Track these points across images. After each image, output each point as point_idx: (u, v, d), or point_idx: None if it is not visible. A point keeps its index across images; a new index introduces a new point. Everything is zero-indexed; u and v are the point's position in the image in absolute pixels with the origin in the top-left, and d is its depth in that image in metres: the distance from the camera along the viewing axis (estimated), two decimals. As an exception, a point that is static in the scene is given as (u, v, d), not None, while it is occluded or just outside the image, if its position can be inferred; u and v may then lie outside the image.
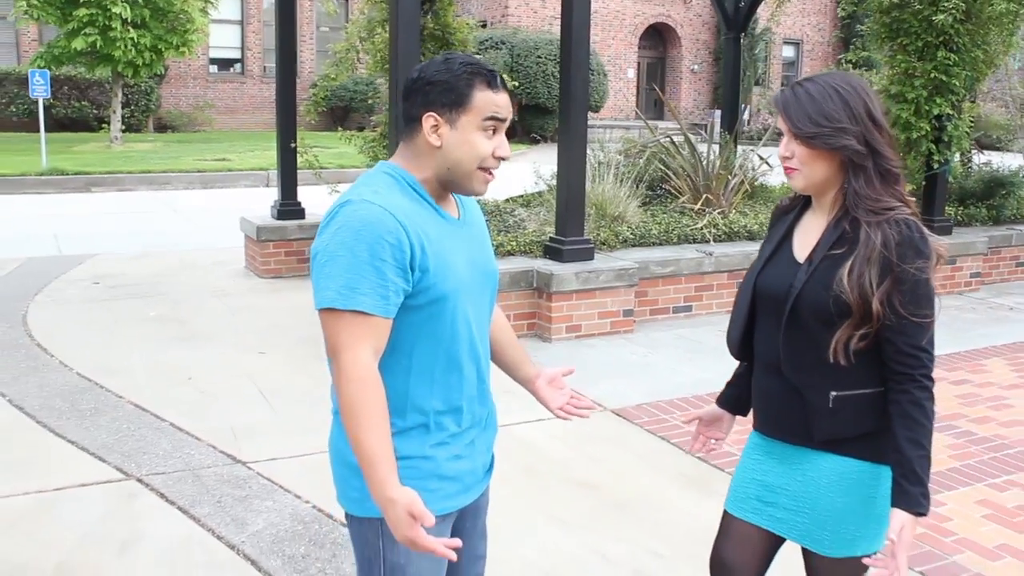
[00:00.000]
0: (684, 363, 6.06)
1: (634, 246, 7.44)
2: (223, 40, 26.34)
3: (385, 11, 8.42)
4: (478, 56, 2.09)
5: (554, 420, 4.88)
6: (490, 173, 1.95)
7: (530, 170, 9.51)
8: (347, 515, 2.05)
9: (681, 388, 5.49)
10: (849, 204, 2.09)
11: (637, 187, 8.30)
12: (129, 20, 18.07)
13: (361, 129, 10.38)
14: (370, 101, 25.76)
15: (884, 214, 2.05)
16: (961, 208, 9.54)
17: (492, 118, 1.91)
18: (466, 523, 2.12)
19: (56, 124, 22.64)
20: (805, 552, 2.25)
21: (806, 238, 2.18)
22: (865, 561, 2.06)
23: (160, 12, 18.92)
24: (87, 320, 6.81)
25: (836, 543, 2.16)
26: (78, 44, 17.88)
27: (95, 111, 23.82)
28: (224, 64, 27.58)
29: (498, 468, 2.25)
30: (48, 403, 5.02)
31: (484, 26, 26.94)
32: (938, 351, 5.80)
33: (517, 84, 11.27)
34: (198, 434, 4.61)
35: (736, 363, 2.45)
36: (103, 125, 21.79)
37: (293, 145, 8.61)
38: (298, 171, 8.80)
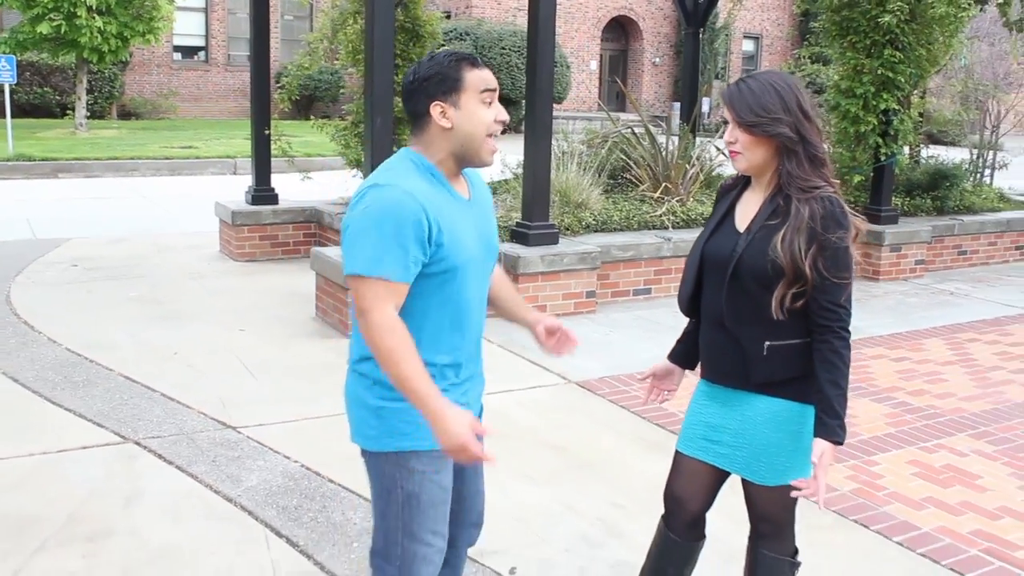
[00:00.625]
0: (643, 341, 6.43)
1: (596, 231, 7.80)
2: (187, 28, 26.33)
3: (357, 3, 8.72)
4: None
5: (523, 391, 5.26)
6: (494, 143, 2.28)
7: (496, 159, 9.84)
8: (364, 452, 2.35)
9: (640, 363, 5.85)
10: (783, 183, 2.46)
11: (599, 176, 8.66)
12: (94, 7, 18.09)
13: (327, 117, 10.64)
14: (336, 90, 25.96)
15: (812, 192, 2.42)
16: (908, 199, 10.01)
17: (486, 90, 2.25)
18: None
19: (18, 110, 22.52)
20: (744, 483, 2.62)
21: (746, 211, 2.55)
22: (793, 483, 2.42)
23: (125, -1, 18.97)
24: (69, 300, 7.04)
25: (770, 473, 2.53)
26: (43, 29, 17.89)
27: (57, 97, 23.78)
28: (188, 52, 27.57)
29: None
30: (42, 375, 5.28)
31: (448, 17, 27.16)
32: (882, 332, 6.35)
33: (496, 75, 11.49)
34: (188, 403, 4.90)
35: (685, 323, 2.80)
36: (68, 112, 21.76)
37: (267, 132, 8.86)
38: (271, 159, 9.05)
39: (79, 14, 17.86)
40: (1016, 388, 5.78)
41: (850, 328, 2.44)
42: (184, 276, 7.98)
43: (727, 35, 31.85)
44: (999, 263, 10.19)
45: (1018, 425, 5.12)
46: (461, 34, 24.98)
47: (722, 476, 2.67)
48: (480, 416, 2.50)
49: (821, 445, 2.37)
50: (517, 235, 7.13)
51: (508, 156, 9.69)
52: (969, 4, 8.33)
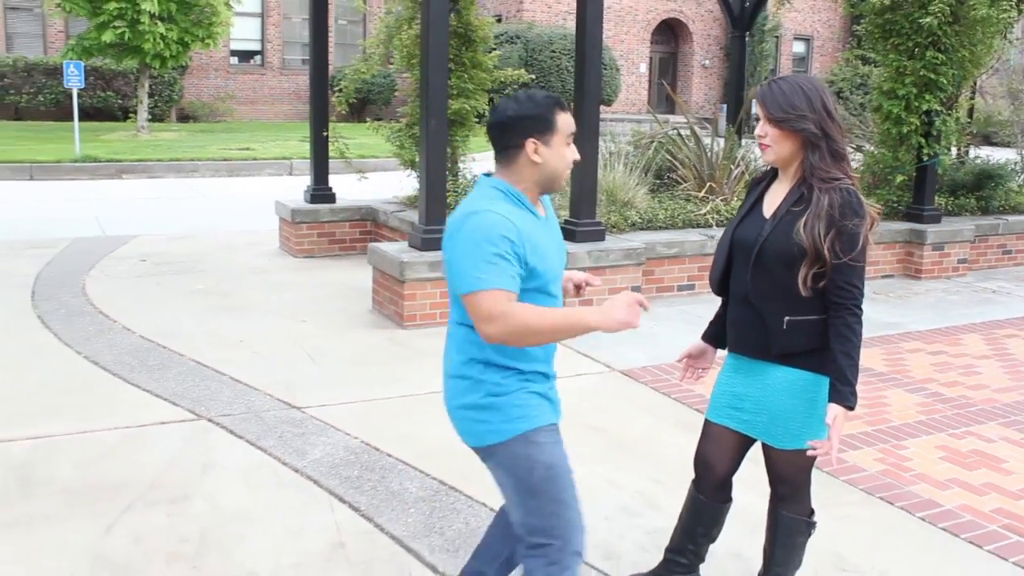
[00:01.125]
0: (686, 333, 6.67)
1: (642, 229, 8.06)
2: (244, 33, 26.97)
3: (412, 9, 9.06)
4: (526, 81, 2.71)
5: (569, 378, 5.53)
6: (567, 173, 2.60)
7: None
8: (488, 449, 2.54)
9: (678, 354, 6.09)
10: (807, 174, 2.73)
11: (645, 176, 8.91)
12: (157, 14, 18.72)
13: (380, 119, 11.01)
14: (389, 93, 26.38)
15: (832, 183, 2.69)
16: (952, 198, 10.12)
17: (571, 133, 2.55)
18: None
19: (82, 113, 23.26)
20: (764, 447, 2.88)
21: (773, 200, 2.82)
22: (809, 443, 2.68)
23: (186, 5, 19.58)
24: (140, 292, 7.46)
25: (787, 437, 2.79)
26: (108, 37, 18.56)
27: (120, 101, 24.51)
28: (244, 56, 28.24)
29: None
30: (119, 359, 5.67)
31: (499, 20, 27.54)
32: (921, 327, 6.60)
33: (533, 78, 11.83)
34: (256, 385, 5.26)
35: (717, 307, 3.07)
36: (131, 115, 22.47)
37: (325, 134, 9.23)
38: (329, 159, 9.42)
39: (142, 21, 18.49)
40: (1050, 381, 5.94)
41: (862, 307, 2.69)
42: (246, 271, 8.38)
43: (777, 37, 31.82)
44: (1045, 263, 10.24)
45: (1048, 415, 5.29)
46: (512, 37, 25.30)
47: (746, 442, 2.94)
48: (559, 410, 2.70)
49: (835, 409, 2.63)
50: (565, 232, 7.38)
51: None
52: (1011, 6, 8.44)
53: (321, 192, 9.29)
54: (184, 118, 26.21)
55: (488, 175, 2.61)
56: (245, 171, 17.03)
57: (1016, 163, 12.03)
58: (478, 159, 10.55)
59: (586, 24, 7.16)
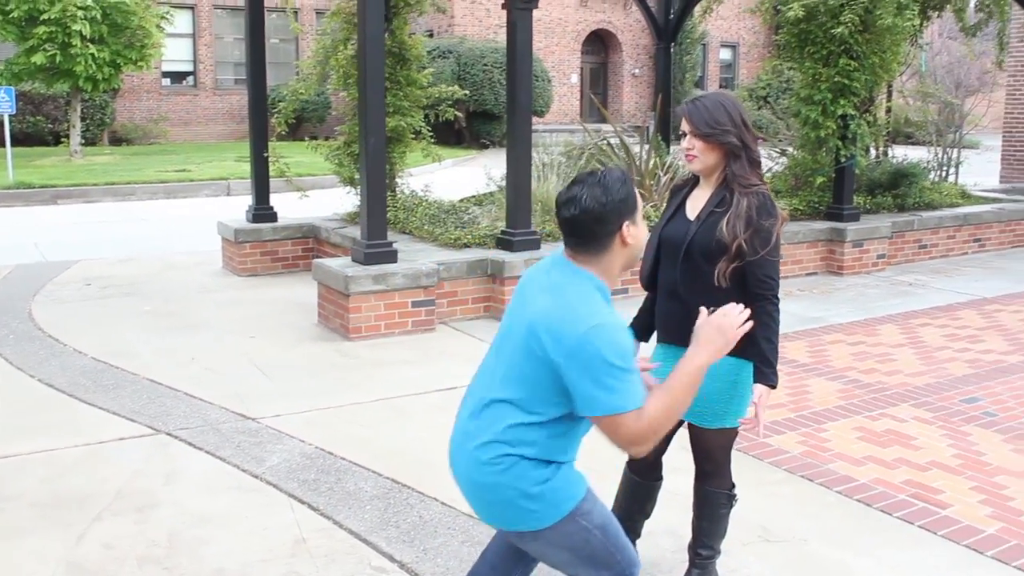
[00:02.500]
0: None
1: (577, 237, 8.36)
2: (176, 54, 26.86)
3: (347, 30, 9.30)
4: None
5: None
6: None
7: (481, 173, 10.45)
8: (536, 534, 2.49)
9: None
10: (728, 180, 3.07)
11: (579, 185, 9.24)
12: (88, 36, 18.65)
13: (315, 138, 11.21)
14: (323, 112, 26.44)
15: (750, 188, 3.03)
16: (870, 197, 10.63)
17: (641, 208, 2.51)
18: None
19: (12, 139, 23.02)
20: (691, 428, 3.20)
21: (696, 204, 3.15)
22: (740, 420, 3.01)
23: (118, 28, 19.52)
24: (88, 315, 7.57)
25: (712, 417, 3.12)
26: (38, 60, 18.43)
27: (50, 125, 24.25)
28: (177, 77, 28.12)
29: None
30: (74, 380, 5.82)
31: (431, 36, 27.82)
32: (842, 320, 7.07)
33: (467, 93, 12.13)
34: (210, 400, 5.45)
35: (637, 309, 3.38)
36: (62, 139, 22.29)
37: (266, 155, 9.41)
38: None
39: (74, 43, 18.41)
40: (958, 364, 6.37)
41: (779, 296, 3.05)
42: (192, 291, 8.53)
43: (704, 45, 32.57)
44: (958, 255, 10.80)
45: (955, 395, 5.71)
46: (444, 52, 25.59)
47: (676, 425, 3.24)
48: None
49: (760, 389, 3.02)
50: (502, 242, 7.70)
51: (493, 170, 10.30)
52: (915, 15, 8.96)
53: (263, 211, 9.46)
54: (117, 141, 26.01)
55: (567, 260, 2.49)
56: (182, 193, 17.05)
57: (929, 162, 12.65)
58: (418, 174, 10.81)
59: (516, 43, 7.47)
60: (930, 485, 4.36)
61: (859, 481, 4.39)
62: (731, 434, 3.19)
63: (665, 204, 3.38)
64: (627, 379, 2.32)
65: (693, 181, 3.25)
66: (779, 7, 9.59)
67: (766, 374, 3.03)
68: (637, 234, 2.47)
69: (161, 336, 6.92)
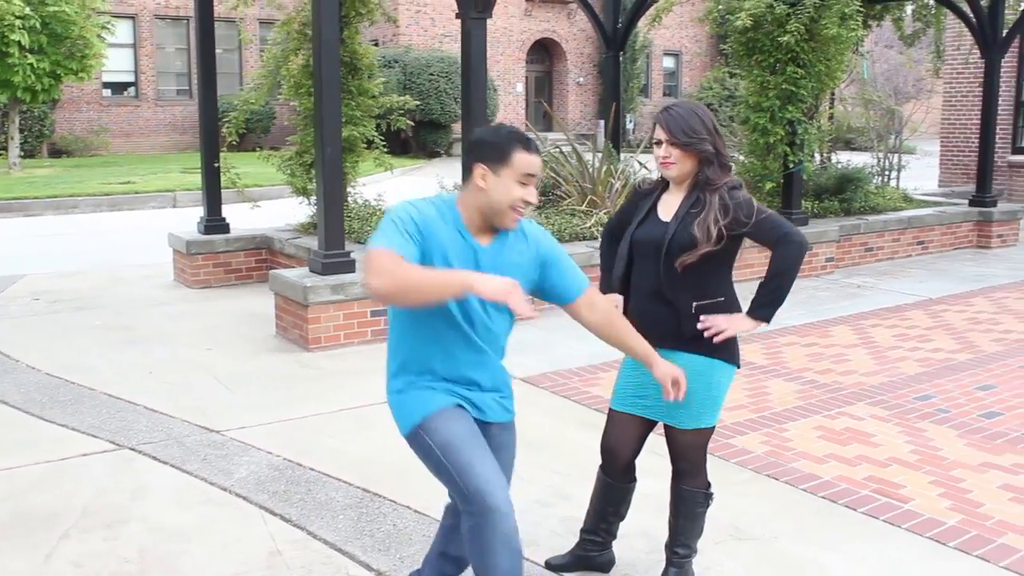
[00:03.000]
0: (578, 341, 6.99)
1: (533, 244, 8.41)
2: (117, 64, 26.42)
3: (298, 40, 9.26)
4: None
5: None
6: (519, 213, 2.73)
7: (427, 182, 10.47)
8: (407, 441, 2.86)
9: (577, 360, 6.47)
10: (701, 183, 3.15)
11: (533, 193, 9.29)
12: (27, 46, 18.30)
13: (260, 148, 11.14)
14: (268, 122, 26.20)
15: (721, 188, 3.09)
16: (817, 202, 10.85)
17: (527, 174, 2.68)
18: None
19: (-52, 152, 22.54)
20: (667, 430, 3.25)
21: (668, 207, 3.22)
22: (704, 319, 3.10)
23: (57, 38, 19.17)
24: (38, 330, 7.43)
25: (688, 418, 3.18)
26: (-26, 71, 18.04)
27: (-14, 138, 23.75)
28: (117, 88, 27.68)
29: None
30: (29, 397, 5.71)
31: (376, 45, 27.74)
32: (795, 323, 7.19)
33: (418, 104, 12.13)
34: (172, 413, 5.39)
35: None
36: (1, 152, 21.81)
37: (216, 165, 9.32)
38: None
39: (12, 53, 18.04)
40: (910, 363, 6.53)
41: (800, 239, 3.12)
42: (145, 304, 8.41)
43: (647, 54, 32.91)
44: (903, 258, 11.06)
45: (909, 393, 5.85)
46: (390, 62, 25.53)
47: (647, 427, 3.30)
48: (509, 423, 3.04)
49: (741, 315, 3.11)
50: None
51: (445, 179, 10.31)
52: (858, 26, 9.18)
53: (215, 223, 9.36)
54: (56, 153, 25.52)
55: None
56: (128, 205, 16.78)
57: (872, 166, 12.94)
58: (368, 184, 10.78)
59: (471, 47, 7.49)
60: (891, 480, 4.47)
61: (823, 478, 4.49)
62: (707, 434, 3.25)
63: (625, 207, 3.43)
64: (391, 229, 2.62)
65: (662, 186, 3.31)
66: (727, 16, 9.75)
67: (755, 308, 3.15)
68: (496, 185, 2.67)
69: (116, 350, 6.82)
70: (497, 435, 2.98)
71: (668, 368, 3.02)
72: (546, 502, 4.21)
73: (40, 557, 3.70)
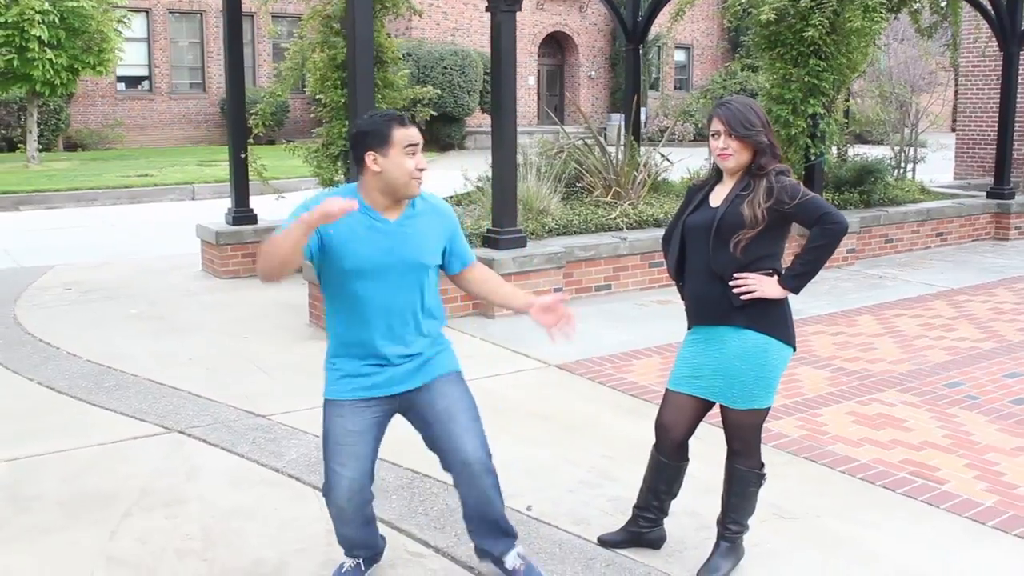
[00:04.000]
0: (609, 329, 7.16)
1: (559, 235, 8.53)
2: (131, 58, 26.54)
3: (323, 34, 9.35)
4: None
5: (510, 375, 5.94)
6: (419, 179, 3.03)
7: (447, 175, 10.56)
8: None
9: (609, 348, 6.57)
10: (754, 172, 3.25)
11: (557, 185, 9.40)
12: (46, 40, 18.44)
13: (271, 143, 11.23)
14: (282, 116, 26.30)
15: (769, 173, 3.21)
16: (837, 193, 10.91)
17: (409, 145, 2.98)
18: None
19: (-34, 146, 22.73)
20: (722, 409, 3.35)
21: (719, 196, 3.33)
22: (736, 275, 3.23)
23: (75, 32, 19.32)
24: (75, 319, 7.56)
25: (741, 398, 3.28)
26: (-5, 64, 18.19)
27: (3, 132, 23.91)
28: (131, 82, 27.82)
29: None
30: (74, 383, 5.83)
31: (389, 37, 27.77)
32: (820, 312, 7.30)
33: (440, 93, 12.22)
34: (216, 399, 5.50)
35: (643, 314, 3.53)
36: (19, 145, 21.97)
37: (243, 155, 9.42)
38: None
39: (31, 47, 18.18)
40: (936, 352, 6.62)
41: (840, 219, 3.25)
42: (176, 294, 8.53)
43: (659, 47, 32.93)
44: (922, 249, 11.14)
45: (937, 380, 5.94)
46: (404, 55, 25.48)
47: (702, 407, 3.40)
48: (444, 376, 3.25)
49: (773, 280, 3.24)
50: (489, 240, 7.82)
51: (470, 171, 10.41)
52: (882, 17, 9.25)
53: (243, 214, 9.48)
54: (72, 147, 25.68)
55: None
56: (147, 198, 16.92)
57: (891, 159, 13.00)
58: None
59: (501, 40, 7.60)
60: (926, 463, 4.57)
61: (859, 461, 4.59)
62: (761, 415, 3.35)
63: (681, 206, 3.54)
64: (287, 222, 2.90)
65: (715, 179, 3.43)
66: (748, 10, 9.82)
67: (787, 279, 3.26)
68: (385, 165, 2.95)
69: (153, 339, 6.94)
70: (432, 394, 3.21)
71: (542, 301, 3.26)
72: (592, 483, 4.32)
73: (105, 534, 3.82)
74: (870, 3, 8.94)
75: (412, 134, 2.98)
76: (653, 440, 3.56)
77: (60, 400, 5.54)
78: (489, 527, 3.30)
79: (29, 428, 5.06)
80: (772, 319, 3.27)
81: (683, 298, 3.45)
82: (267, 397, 5.55)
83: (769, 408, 3.37)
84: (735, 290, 3.23)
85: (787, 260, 3.33)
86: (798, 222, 3.26)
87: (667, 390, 3.47)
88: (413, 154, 2.98)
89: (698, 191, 3.46)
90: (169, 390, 5.69)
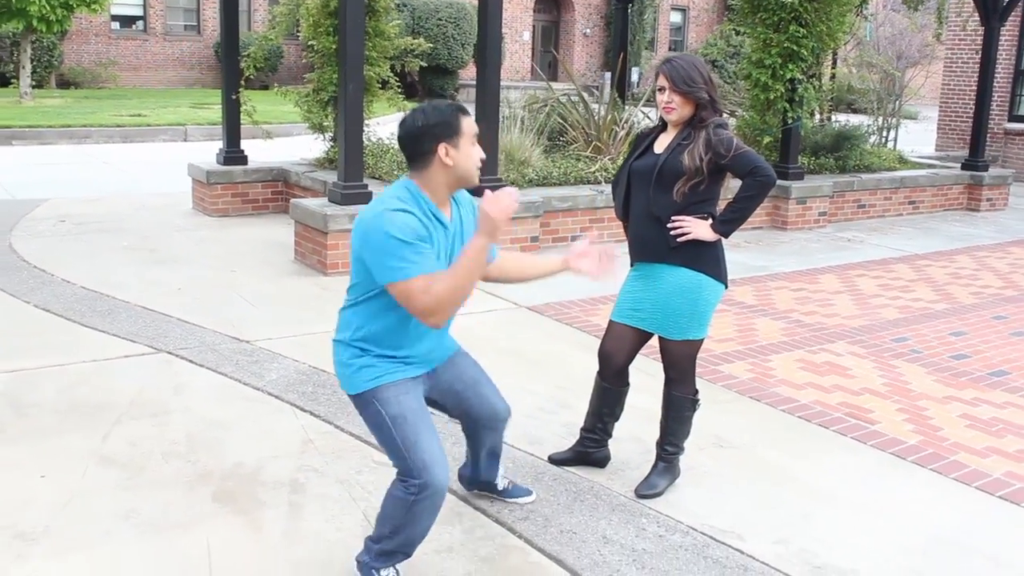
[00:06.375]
0: (579, 277, 7.45)
1: (538, 186, 8.83)
2: (125, -3, 26.54)
3: (318, -19, 9.55)
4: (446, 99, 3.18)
5: (481, 313, 6.26)
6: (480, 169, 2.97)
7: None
8: (352, 399, 3.05)
9: (577, 292, 6.88)
10: (695, 124, 3.54)
11: (539, 138, 9.68)
12: (41, -24, 18.48)
13: (265, 87, 11.43)
14: (275, 61, 26.34)
15: (708, 125, 3.52)
16: (814, 158, 11.22)
17: (474, 135, 2.91)
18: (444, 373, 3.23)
19: (-41, 79, 22.74)
20: (660, 340, 3.69)
21: (662, 144, 3.64)
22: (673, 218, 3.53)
23: (71, -32, 19.34)
24: (69, 249, 7.83)
25: (677, 330, 3.62)
26: (-10, -1, 18.23)
27: (-6, 67, 23.94)
28: (126, 21, 27.77)
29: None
30: (69, 307, 6.13)
31: (385, -12, 27.76)
32: (785, 270, 7.69)
33: (432, 46, 12.41)
34: (203, 324, 5.82)
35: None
36: (12, 80, 22.02)
37: (234, 96, 9.64)
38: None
39: (27, -17, 18.22)
40: (890, 310, 6.97)
41: (768, 173, 3.56)
42: (168, 229, 8.81)
43: (655, 8, 32.97)
44: (894, 216, 11.46)
45: (887, 335, 6.30)
46: (399, 6, 25.56)
47: (641, 338, 3.75)
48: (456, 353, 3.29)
49: (706, 224, 3.55)
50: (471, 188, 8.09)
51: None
52: (860, -12, 9.51)
53: (234, 154, 9.73)
54: (64, 84, 25.69)
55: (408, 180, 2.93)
56: (139, 137, 17.09)
57: (870, 127, 13.29)
58: (381, 122, 11.12)
59: (488, 4, 7.82)
60: (862, 406, 4.93)
61: (800, 402, 4.95)
62: (695, 345, 3.70)
63: (631, 148, 3.85)
64: (411, 253, 2.75)
65: (660, 128, 3.73)
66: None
67: (717, 221, 3.58)
68: (457, 157, 2.86)
69: (144, 268, 7.23)
70: (458, 368, 3.30)
71: (574, 252, 3.36)
72: (549, 410, 4.67)
73: (98, 437, 4.15)
74: (850, -27, 9.19)
75: (474, 124, 2.93)
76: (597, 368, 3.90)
77: (55, 321, 5.84)
78: (495, 460, 3.58)
79: (26, 345, 5.37)
80: (705, 259, 3.60)
81: (625, 234, 3.77)
82: (251, 325, 5.86)
83: (703, 339, 3.71)
84: (672, 232, 3.53)
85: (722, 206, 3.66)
86: (731, 172, 3.57)
87: (610, 321, 3.81)
88: (475, 143, 2.93)
89: (644, 138, 3.77)
90: (159, 316, 6.00)
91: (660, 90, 3.60)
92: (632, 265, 3.79)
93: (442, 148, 2.84)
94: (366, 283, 2.95)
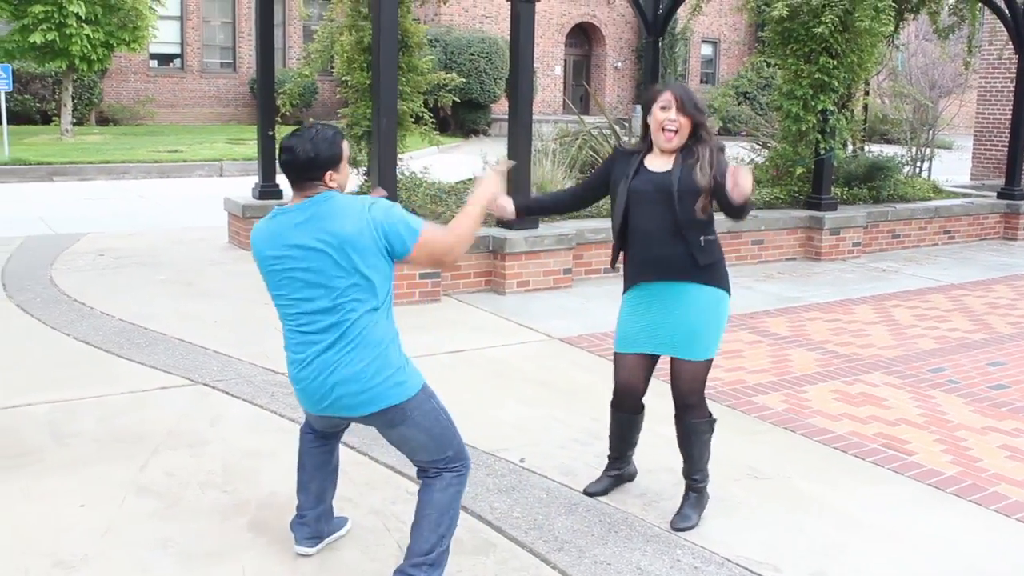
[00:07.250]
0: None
1: (571, 218, 8.85)
2: (163, 36, 27.00)
3: (352, 17, 9.71)
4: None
5: (516, 345, 6.27)
6: None
7: (467, 160, 10.89)
8: (398, 408, 3.12)
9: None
10: (691, 145, 3.62)
11: (571, 170, 9.72)
12: (83, 16, 18.90)
13: (299, 123, 11.62)
14: (309, 97, 26.67)
15: (711, 143, 3.61)
16: (847, 188, 11.18)
17: (347, 157, 3.13)
18: None
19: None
20: (675, 364, 3.70)
21: (656, 164, 3.68)
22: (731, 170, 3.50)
23: (111, 8, 19.77)
24: (108, 283, 7.96)
25: (700, 349, 3.64)
26: (35, 39, 18.65)
27: (38, 104, 24.43)
28: (163, 59, 28.31)
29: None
30: (107, 339, 6.23)
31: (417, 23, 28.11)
32: (820, 300, 7.68)
33: (465, 80, 12.55)
34: (239, 357, 5.88)
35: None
36: (53, 118, 22.47)
37: (271, 133, 9.80)
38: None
39: (70, 23, 18.65)
40: (926, 340, 6.91)
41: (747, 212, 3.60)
42: (203, 263, 8.93)
43: (686, 40, 33.10)
44: (928, 246, 11.38)
45: (923, 366, 6.24)
46: (432, 41, 25.90)
47: (651, 363, 3.81)
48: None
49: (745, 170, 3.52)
50: (502, 220, 8.14)
51: (489, 156, 10.75)
52: (890, 20, 9.51)
53: (269, 188, 9.86)
54: (103, 121, 26.18)
55: (304, 198, 3.05)
56: (176, 173, 17.38)
57: (903, 157, 13.23)
58: (415, 156, 11.23)
59: (519, 30, 7.91)
60: (898, 437, 4.88)
61: (835, 432, 4.91)
62: (710, 364, 3.75)
63: (605, 165, 3.89)
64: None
65: (646, 148, 3.74)
66: (764, 6, 10.09)
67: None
68: (339, 179, 3.08)
69: (181, 302, 7.33)
70: None
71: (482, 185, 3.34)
72: (583, 441, 4.67)
73: (136, 467, 4.20)
74: (880, 4, 9.19)
75: (347, 146, 3.18)
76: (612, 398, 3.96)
77: (94, 353, 5.93)
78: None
79: (66, 376, 5.46)
80: (721, 273, 3.69)
81: (624, 260, 3.79)
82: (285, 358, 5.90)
83: (713, 359, 3.77)
84: (729, 190, 3.40)
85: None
86: (718, 200, 3.57)
87: (617, 354, 3.84)
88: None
89: (630, 156, 3.78)
90: (195, 348, 6.08)
91: (664, 107, 3.60)
92: (633, 286, 3.80)
93: (329, 175, 3.05)
94: (367, 295, 3.07)
